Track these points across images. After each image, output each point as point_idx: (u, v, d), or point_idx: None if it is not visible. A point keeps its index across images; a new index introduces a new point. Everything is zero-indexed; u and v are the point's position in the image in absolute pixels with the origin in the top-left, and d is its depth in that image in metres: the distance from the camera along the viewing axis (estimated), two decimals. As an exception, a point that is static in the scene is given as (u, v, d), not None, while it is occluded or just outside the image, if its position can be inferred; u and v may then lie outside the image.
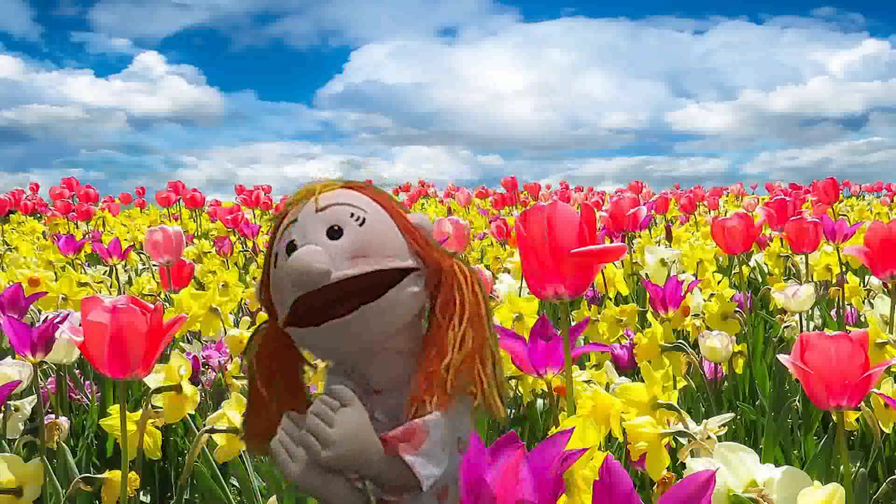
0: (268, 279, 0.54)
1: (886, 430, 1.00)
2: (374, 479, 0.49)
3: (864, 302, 1.81)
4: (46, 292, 1.68)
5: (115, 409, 0.98)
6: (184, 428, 1.24)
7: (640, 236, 2.76)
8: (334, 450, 0.47)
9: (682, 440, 0.82)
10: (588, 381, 1.03)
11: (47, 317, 1.18)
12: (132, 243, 2.78)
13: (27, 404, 1.14)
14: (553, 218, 0.71)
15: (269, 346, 0.55)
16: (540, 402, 1.26)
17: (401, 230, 0.53)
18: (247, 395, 0.57)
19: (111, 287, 2.18)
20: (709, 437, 0.80)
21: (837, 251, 1.90)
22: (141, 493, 1.17)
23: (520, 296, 1.52)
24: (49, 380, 1.32)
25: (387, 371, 0.52)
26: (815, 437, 1.20)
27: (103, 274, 2.32)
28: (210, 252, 2.89)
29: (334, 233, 0.51)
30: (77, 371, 1.44)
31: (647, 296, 1.42)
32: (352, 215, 0.51)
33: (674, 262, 1.89)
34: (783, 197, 2.24)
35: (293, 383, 0.56)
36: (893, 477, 0.83)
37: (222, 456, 0.93)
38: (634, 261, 2.07)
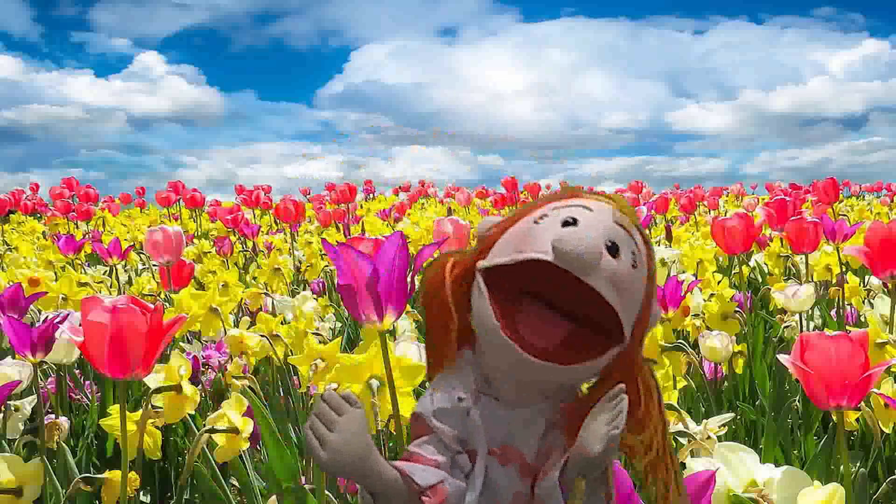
0: (511, 225, 0.51)
1: (886, 430, 1.00)
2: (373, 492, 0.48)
3: (864, 302, 1.81)
4: (46, 292, 1.68)
5: (115, 409, 0.98)
6: (184, 428, 1.24)
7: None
8: (331, 452, 0.45)
9: (682, 440, 0.82)
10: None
11: (47, 317, 1.18)
12: (132, 243, 2.78)
13: (27, 404, 1.14)
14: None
15: (458, 278, 0.51)
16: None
17: (643, 302, 0.49)
18: (424, 319, 0.53)
19: (111, 287, 2.18)
20: (709, 437, 0.80)
21: (837, 251, 1.90)
22: (141, 493, 1.17)
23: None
24: (49, 380, 1.32)
25: (518, 397, 0.50)
26: (815, 437, 1.20)
27: (103, 274, 2.32)
28: (210, 252, 2.89)
29: (612, 250, 0.48)
30: (77, 371, 1.44)
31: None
32: (633, 253, 0.49)
33: (674, 262, 1.89)
34: (783, 197, 2.24)
35: (464, 320, 0.52)
36: (893, 477, 0.83)
37: (222, 456, 0.93)
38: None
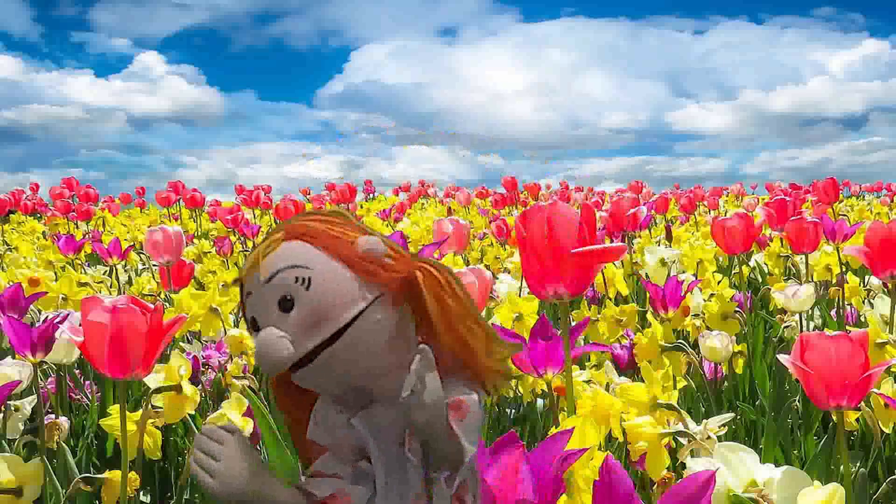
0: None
1: (886, 430, 1.00)
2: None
3: (864, 302, 1.81)
4: (46, 292, 1.68)
5: (115, 409, 0.98)
6: (184, 428, 1.24)
7: (640, 236, 2.76)
8: (221, 480, 0.48)
9: (682, 440, 0.82)
10: (588, 381, 1.03)
11: (47, 317, 1.18)
12: (132, 243, 2.78)
13: (27, 404, 1.14)
14: (553, 218, 0.71)
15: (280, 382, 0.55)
16: (540, 402, 1.26)
17: (349, 267, 0.50)
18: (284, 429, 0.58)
19: (111, 287, 2.18)
20: (709, 437, 0.80)
21: (837, 251, 1.90)
22: (141, 493, 1.17)
23: (520, 296, 1.52)
24: (49, 380, 1.32)
25: (391, 383, 0.51)
26: (815, 437, 1.20)
27: (103, 274, 2.32)
28: (210, 252, 2.89)
29: (286, 303, 0.49)
30: (77, 371, 1.44)
31: (647, 296, 1.43)
32: (296, 279, 0.49)
33: (674, 262, 1.89)
34: (783, 197, 2.24)
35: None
36: (893, 477, 0.83)
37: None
38: (634, 261, 2.08)
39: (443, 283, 0.51)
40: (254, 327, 0.51)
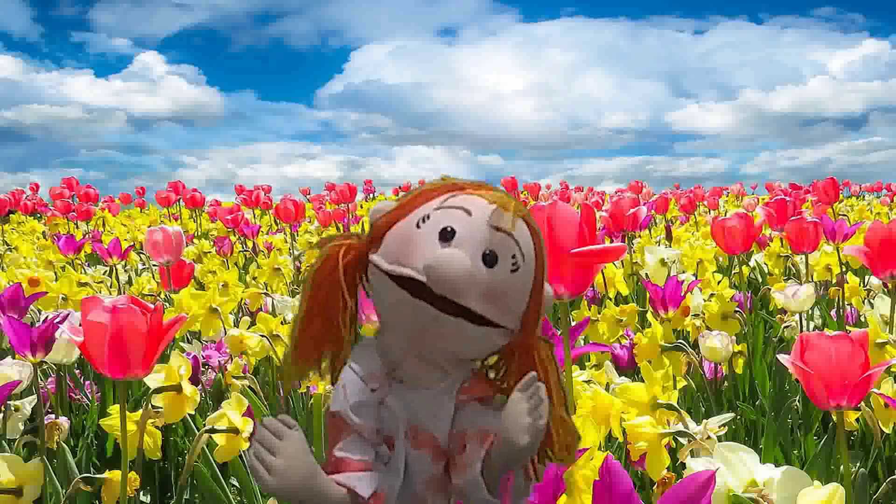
0: (399, 219, 0.51)
1: (886, 430, 1.00)
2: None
3: (864, 302, 1.81)
4: (46, 292, 1.68)
5: (115, 409, 0.98)
6: (184, 428, 1.24)
7: (640, 236, 2.76)
8: (278, 476, 0.46)
9: (682, 440, 0.82)
10: (588, 381, 1.03)
11: (47, 317, 1.18)
12: (132, 243, 2.78)
13: (27, 404, 1.14)
14: (553, 218, 0.71)
15: (349, 258, 0.52)
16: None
17: (532, 293, 0.51)
18: (304, 297, 0.53)
19: (111, 287, 2.18)
20: (709, 437, 0.80)
21: (837, 251, 1.90)
22: (141, 493, 1.17)
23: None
24: (49, 380, 1.32)
25: (421, 374, 0.51)
26: (815, 437, 1.20)
27: (103, 274, 2.32)
28: (210, 252, 2.89)
29: (489, 259, 0.49)
30: (77, 371, 1.44)
31: (647, 296, 1.43)
32: (513, 256, 0.49)
33: (674, 262, 1.89)
34: (783, 197, 2.24)
35: (354, 301, 0.53)
36: (893, 477, 0.83)
37: (222, 456, 0.93)
38: (634, 261, 2.07)
39: (553, 369, 0.52)
40: (441, 235, 0.49)
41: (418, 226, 0.50)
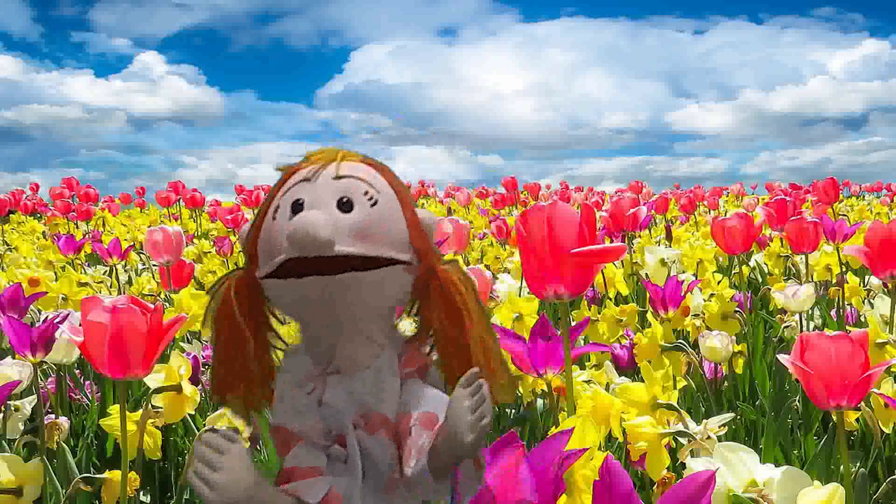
0: (259, 228, 0.52)
1: (886, 430, 1.00)
2: None
3: (864, 302, 1.81)
4: (46, 292, 1.68)
5: (115, 409, 0.98)
6: (184, 428, 1.24)
7: (640, 236, 2.76)
8: (219, 492, 0.45)
9: (682, 440, 0.82)
10: (588, 381, 1.03)
11: (47, 317, 1.18)
12: (132, 243, 2.78)
13: (27, 404, 1.14)
14: (553, 218, 0.71)
15: (243, 293, 0.52)
16: (540, 402, 1.26)
17: (407, 221, 0.52)
18: (212, 343, 0.54)
19: (111, 287, 2.18)
20: (709, 437, 0.80)
21: (837, 251, 1.90)
22: (141, 493, 1.17)
23: (520, 296, 1.52)
24: (49, 380, 1.32)
25: (353, 352, 0.51)
26: (815, 437, 1.20)
27: (103, 274, 2.32)
28: (210, 252, 2.89)
29: (344, 205, 0.49)
30: (77, 371, 1.44)
31: (647, 296, 1.42)
32: (366, 193, 0.50)
33: (674, 262, 1.89)
34: (783, 197, 2.24)
35: (263, 334, 0.54)
36: (893, 477, 0.83)
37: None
38: (634, 261, 2.07)
39: (469, 287, 0.53)
40: (292, 208, 0.50)
41: (273, 218, 0.51)
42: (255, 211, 0.54)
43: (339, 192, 0.50)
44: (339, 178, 0.51)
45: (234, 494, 0.46)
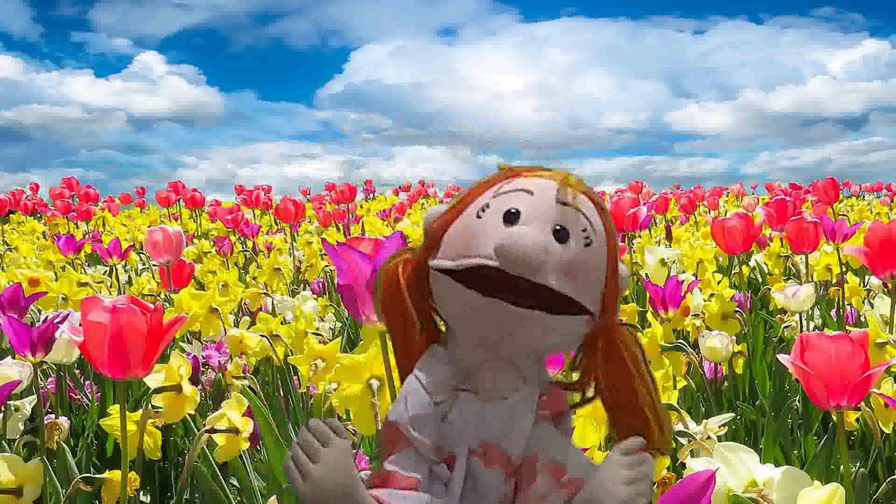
0: (456, 217, 0.49)
1: (886, 430, 1.00)
2: None
3: (864, 302, 1.81)
4: (46, 292, 1.68)
5: (115, 409, 0.98)
6: (184, 428, 1.24)
7: (640, 236, 2.76)
8: (313, 485, 0.43)
9: (682, 440, 0.82)
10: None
11: (47, 317, 1.18)
12: (132, 243, 2.78)
13: (27, 404, 1.14)
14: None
15: (410, 274, 0.50)
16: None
17: (608, 274, 0.48)
18: (384, 321, 0.51)
19: (111, 287, 2.18)
20: (709, 437, 0.80)
21: (837, 251, 1.90)
22: (141, 493, 1.17)
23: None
24: (49, 380, 1.32)
25: (497, 382, 0.48)
26: (815, 437, 1.20)
27: (103, 274, 2.32)
28: (210, 252, 2.89)
29: (561, 235, 0.46)
30: (77, 371, 1.44)
31: (647, 296, 1.42)
32: (584, 230, 0.47)
33: (674, 262, 1.89)
34: (783, 197, 2.24)
35: (425, 318, 0.51)
36: (893, 477, 0.83)
37: (222, 456, 0.93)
38: (634, 261, 2.07)
39: (640, 350, 0.50)
40: (505, 217, 0.47)
41: (478, 216, 0.47)
42: (454, 198, 0.50)
43: (559, 218, 0.47)
44: (565, 203, 0.47)
45: (328, 490, 0.43)
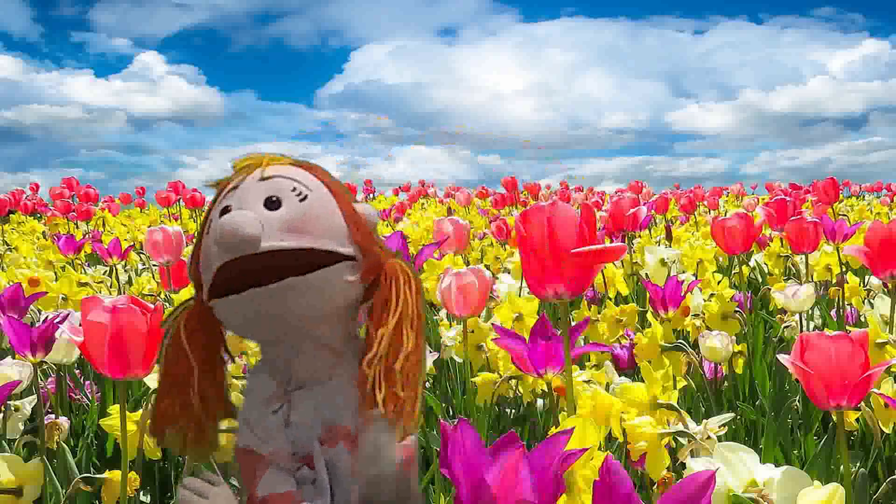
0: (199, 250, 0.51)
1: (886, 430, 1.00)
2: None
3: (864, 302, 1.81)
4: (46, 292, 1.68)
5: (115, 409, 0.98)
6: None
7: (640, 236, 2.76)
8: None
9: (682, 440, 0.82)
10: (588, 381, 1.03)
11: (47, 317, 1.18)
12: (132, 243, 2.78)
13: (27, 404, 1.14)
14: (553, 218, 0.71)
15: (193, 324, 0.52)
16: (540, 402, 1.26)
17: (344, 216, 0.50)
18: (160, 372, 0.54)
19: (111, 287, 2.18)
20: (709, 437, 0.80)
21: (837, 251, 1.90)
22: (141, 493, 1.17)
23: (520, 296, 1.52)
24: (49, 380, 1.32)
25: (311, 364, 0.49)
26: (815, 437, 1.20)
27: (103, 274, 2.32)
28: (210, 252, 2.89)
29: (272, 203, 0.48)
30: (77, 371, 1.44)
31: (647, 296, 1.43)
32: (293, 189, 0.49)
33: (674, 262, 1.89)
34: (783, 197, 2.24)
35: (213, 369, 0.53)
36: (893, 477, 0.83)
37: (222, 456, 0.93)
38: (634, 261, 2.07)
39: (412, 282, 0.51)
40: (221, 215, 0.49)
41: (207, 233, 0.50)
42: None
43: (265, 192, 0.49)
44: (264, 179, 0.50)
45: None
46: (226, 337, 0.53)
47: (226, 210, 0.49)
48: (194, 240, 0.53)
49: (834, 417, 0.85)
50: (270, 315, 0.48)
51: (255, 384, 0.52)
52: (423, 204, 6.22)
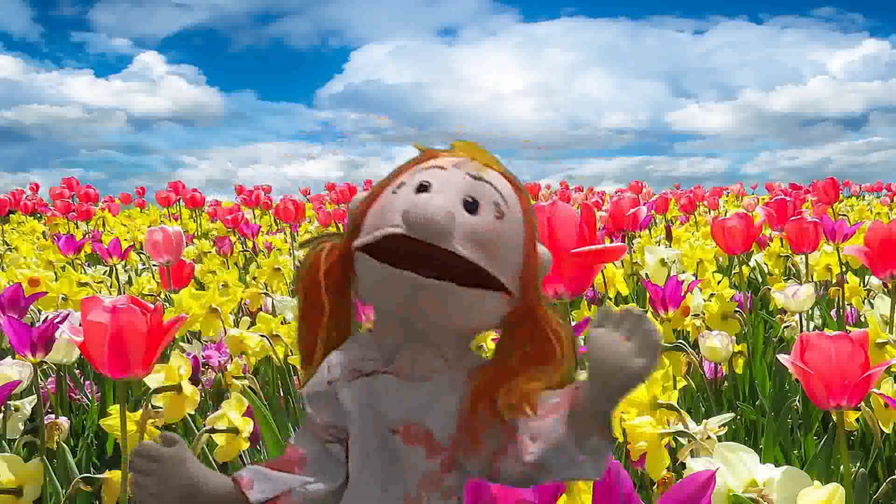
0: (375, 198, 0.49)
1: (886, 430, 1.00)
2: None
3: (864, 302, 1.81)
4: (46, 292, 1.68)
5: (115, 409, 0.98)
6: (184, 428, 1.24)
7: (640, 236, 2.76)
8: (156, 501, 0.46)
9: (682, 440, 0.82)
10: (588, 381, 1.02)
11: (47, 317, 1.18)
12: (132, 243, 2.78)
13: (27, 404, 1.14)
14: (553, 218, 0.71)
15: (334, 261, 0.50)
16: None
17: (524, 252, 0.48)
18: (299, 307, 0.51)
19: (111, 287, 2.18)
20: (709, 437, 0.80)
21: (837, 251, 1.90)
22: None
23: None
24: (49, 380, 1.32)
25: (417, 364, 0.48)
26: (815, 437, 1.20)
27: (103, 274, 2.32)
28: (210, 252, 2.89)
29: (471, 206, 0.46)
30: (77, 371, 1.44)
31: (647, 296, 1.43)
32: (496, 204, 0.47)
33: (674, 262, 1.89)
34: (783, 197, 2.24)
35: (339, 315, 0.51)
36: (893, 477, 0.83)
37: (222, 456, 0.93)
38: (634, 261, 2.07)
39: (567, 335, 0.49)
40: (417, 189, 0.47)
41: (394, 192, 0.48)
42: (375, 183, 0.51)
43: (468, 189, 0.47)
44: (477, 178, 0.47)
45: (168, 500, 0.45)
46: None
47: (423, 186, 0.47)
48: (373, 187, 0.50)
49: (834, 417, 0.85)
50: (403, 300, 0.46)
51: (347, 347, 0.50)
52: (422, 204, 6.21)
